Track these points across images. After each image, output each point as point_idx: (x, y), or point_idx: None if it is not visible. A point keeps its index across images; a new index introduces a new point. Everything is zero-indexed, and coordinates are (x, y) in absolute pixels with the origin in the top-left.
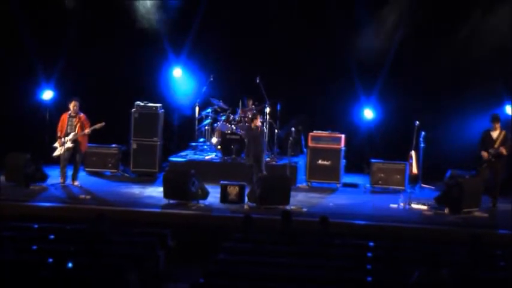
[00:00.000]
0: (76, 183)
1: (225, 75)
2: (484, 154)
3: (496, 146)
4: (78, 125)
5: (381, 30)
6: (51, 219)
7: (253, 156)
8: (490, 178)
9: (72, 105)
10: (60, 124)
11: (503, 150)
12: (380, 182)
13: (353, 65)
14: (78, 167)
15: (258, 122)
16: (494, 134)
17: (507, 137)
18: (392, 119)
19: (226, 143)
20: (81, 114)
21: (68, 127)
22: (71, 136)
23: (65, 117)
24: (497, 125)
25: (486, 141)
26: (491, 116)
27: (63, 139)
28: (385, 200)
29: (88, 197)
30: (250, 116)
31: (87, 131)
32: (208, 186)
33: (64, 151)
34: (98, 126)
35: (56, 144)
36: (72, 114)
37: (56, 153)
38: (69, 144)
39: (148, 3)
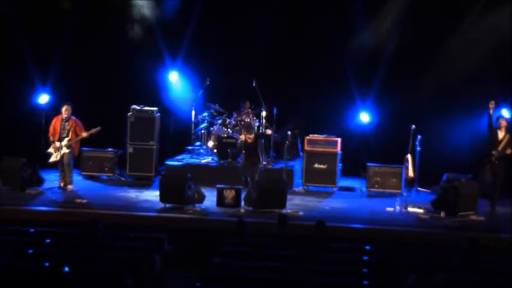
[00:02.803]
0: (70, 187)
1: (221, 79)
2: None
3: (500, 148)
4: (72, 129)
5: (377, 33)
6: (48, 223)
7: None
8: (491, 181)
9: (64, 110)
10: (51, 128)
11: (510, 151)
12: (376, 185)
13: (349, 69)
14: (71, 171)
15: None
16: (500, 134)
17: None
18: (388, 122)
19: (222, 146)
20: (74, 118)
21: (61, 131)
22: (65, 141)
23: (57, 121)
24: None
25: (491, 141)
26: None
27: (57, 144)
28: (381, 203)
29: (84, 201)
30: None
31: (84, 135)
32: (205, 190)
33: (60, 157)
34: (94, 131)
35: (51, 150)
36: (66, 118)
37: (53, 159)
38: (65, 150)
39: (145, 6)
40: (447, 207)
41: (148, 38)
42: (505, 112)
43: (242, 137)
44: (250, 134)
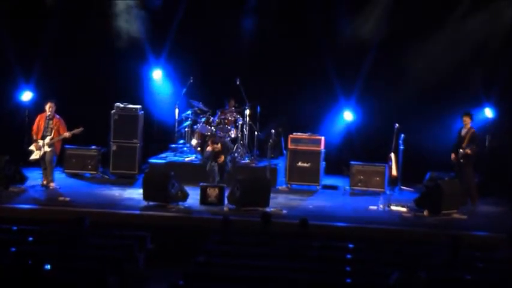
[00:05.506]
0: (52, 184)
1: (205, 77)
2: (452, 156)
3: (463, 145)
4: (55, 128)
5: (360, 32)
6: (31, 221)
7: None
8: (470, 179)
9: (48, 107)
10: (35, 127)
11: (468, 151)
12: (359, 184)
13: (333, 67)
14: (53, 168)
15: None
16: (463, 132)
17: (474, 136)
18: (372, 121)
19: (205, 145)
20: (58, 117)
21: (45, 130)
22: (47, 140)
23: (41, 119)
24: (467, 121)
25: (457, 140)
26: (461, 112)
27: (39, 142)
28: (364, 202)
29: (67, 199)
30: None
31: (67, 135)
32: (188, 188)
33: (42, 155)
34: (76, 131)
35: (32, 148)
36: (50, 117)
37: (34, 156)
38: (47, 149)
39: (128, 3)
40: (430, 206)
41: (132, 35)
42: (487, 111)
43: (209, 148)
44: (216, 144)
